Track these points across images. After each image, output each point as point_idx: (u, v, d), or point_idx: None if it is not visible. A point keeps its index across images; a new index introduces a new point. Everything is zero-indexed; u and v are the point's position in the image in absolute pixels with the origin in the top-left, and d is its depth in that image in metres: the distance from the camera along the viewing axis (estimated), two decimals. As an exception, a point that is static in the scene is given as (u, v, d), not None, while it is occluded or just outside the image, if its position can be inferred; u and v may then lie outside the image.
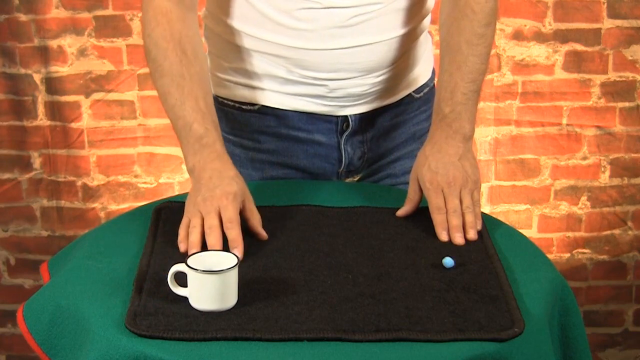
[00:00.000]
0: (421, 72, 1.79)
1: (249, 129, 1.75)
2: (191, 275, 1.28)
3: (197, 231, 1.43)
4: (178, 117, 1.54)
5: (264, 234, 1.49)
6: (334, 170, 1.78)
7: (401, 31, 1.67)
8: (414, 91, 1.79)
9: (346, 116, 1.73)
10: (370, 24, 1.63)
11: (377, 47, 1.65)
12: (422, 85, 1.80)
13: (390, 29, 1.66)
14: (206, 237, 1.42)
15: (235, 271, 1.29)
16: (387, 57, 1.68)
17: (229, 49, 1.70)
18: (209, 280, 1.27)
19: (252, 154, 1.76)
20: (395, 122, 1.79)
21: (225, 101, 1.75)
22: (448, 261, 1.41)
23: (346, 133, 1.75)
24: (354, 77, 1.67)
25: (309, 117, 1.73)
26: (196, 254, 1.32)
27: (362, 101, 1.72)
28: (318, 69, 1.66)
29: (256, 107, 1.73)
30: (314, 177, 1.77)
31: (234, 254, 1.32)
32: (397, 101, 1.77)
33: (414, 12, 1.68)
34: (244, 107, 1.74)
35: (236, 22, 1.66)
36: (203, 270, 1.27)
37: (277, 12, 1.61)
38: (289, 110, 1.72)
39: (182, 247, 1.44)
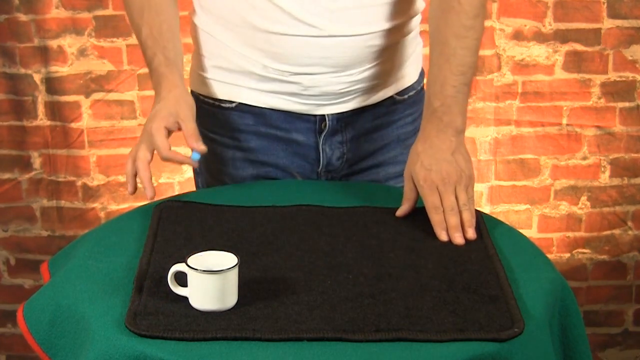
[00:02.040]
0: (406, 74, 1.77)
1: (228, 127, 1.75)
2: (191, 275, 1.28)
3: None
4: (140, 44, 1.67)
5: (202, 147, 1.56)
6: (313, 169, 1.77)
7: (381, 26, 1.65)
8: (396, 93, 1.77)
9: (324, 115, 1.73)
10: (349, 14, 1.61)
11: (352, 40, 1.64)
12: (406, 88, 1.78)
13: (370, 22, 1.64)
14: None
15: (235, 271, 1.29)
16: (362, 55, 1.66)
17: (209, 43, 1.71)
18: (209, 280, 1.27)
19: (232, 152, 1.76)
20: (377, 123, 1.77)
21: (206, 99, 1.76)
22: (194, 155, 1.55)
23: (324, 133, 1.74)
24: (328, 73, 1.66)
25: (286, 115, 1.72)
26: (196, 254, 1.32)
27: (339, 100, 1.71)
28: (292, 62, 1.64)
29: (234, 104, 1.73)
30: (293, 176, 1.77)
31: (234, 254, 1.32)
32: (379, 102, 1.75)
33: (398, 10, 1.66)
34: (222, 104, 1.74)
35: (212, 6, 1.69)
36: (203, 270, 1.27)
37: None
38: (267, 109, 1.72)
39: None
